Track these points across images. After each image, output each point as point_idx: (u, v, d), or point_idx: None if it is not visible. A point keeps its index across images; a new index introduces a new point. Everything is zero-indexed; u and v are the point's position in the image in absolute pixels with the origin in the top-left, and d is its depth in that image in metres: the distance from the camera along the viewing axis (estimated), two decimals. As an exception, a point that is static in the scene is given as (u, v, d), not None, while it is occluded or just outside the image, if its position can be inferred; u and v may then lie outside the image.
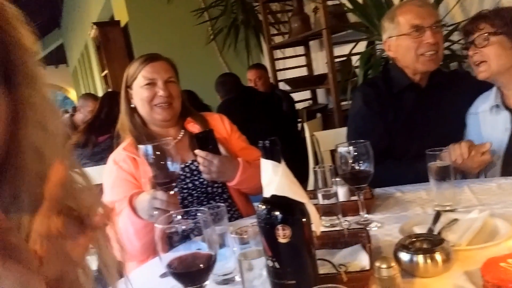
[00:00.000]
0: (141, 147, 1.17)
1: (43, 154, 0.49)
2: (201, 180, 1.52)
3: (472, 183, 1.36)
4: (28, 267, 0.40)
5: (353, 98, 1.81)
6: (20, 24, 0.50)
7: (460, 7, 2.56)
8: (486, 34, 1.44)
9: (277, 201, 0.77)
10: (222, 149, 1.53)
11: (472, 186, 1.33)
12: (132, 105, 1.56)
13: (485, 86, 1.57)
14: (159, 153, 1.15)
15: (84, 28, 8.23)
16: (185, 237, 0.78)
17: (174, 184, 1.18)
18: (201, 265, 0.75)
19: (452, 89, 1.65)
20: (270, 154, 0.79)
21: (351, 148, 1.16)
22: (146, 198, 1.20)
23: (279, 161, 0.78)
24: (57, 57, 14.70)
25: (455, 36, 2.48)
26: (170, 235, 0.77)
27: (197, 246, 0.78)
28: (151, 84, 1.51)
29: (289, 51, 4.38)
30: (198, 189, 1.53)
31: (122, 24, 5.78)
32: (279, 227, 0.75)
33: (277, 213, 0.76)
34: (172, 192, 1.16)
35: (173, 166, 1.16)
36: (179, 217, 0.84)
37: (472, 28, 1.49)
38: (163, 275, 1.04)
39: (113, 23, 5.97)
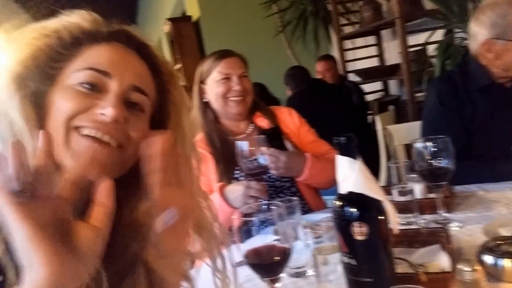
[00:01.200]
0: (238, 143, 1.34)
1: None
2: (269, 174, 1.54)
3: None
4: None
5: (428, 93, 1.72)
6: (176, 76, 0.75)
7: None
8: None
9: (353, 198, 0.77)
10: (289, 145, 1.55)
11: None
12: (205, 100, 1.61)
13: None
14: (252, 147, 1.32)
15: (158, 24, 8.59)
16: (260, 229, 0.81)
17: (264, 176, 1.37)
18: (277, 258, 0.77)
19: None
20: (345, 151, 0.78)
21: (429, 143, 1.12)
22: (240, 188, 1.34)
23: (355, 158, 0.77)
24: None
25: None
26: (247, 226, 0.80)
27: (271, 239, 0.80)
28: (226, 79, 1.56)
29: (359, 41, 4.26)
30: (267, 183, 1.55)
31: (194, 19, 5.96)
32: (355, 224, 0.75)
33: (353, 210, 0.76)
34: (262, 183, 1.34)
35: (264, 159, 1.33)
36: (266, 207, 0.87)
37: None
38: (238, 264, 1.08)
39: (185, 18, 6.17)
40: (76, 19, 0.68)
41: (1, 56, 0.64)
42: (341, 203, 0.78)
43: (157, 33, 9.55)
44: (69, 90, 0.63)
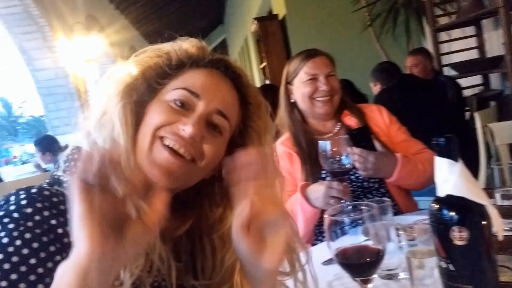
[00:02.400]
0: (321, 142, 1.30)
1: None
2: (357, 175, 1.51)
3: None
4: None
5: None
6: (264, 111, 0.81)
7: None
8: None
9: (453, 201, 0.73)
10: (378, 145, 1.51)
11: None
12: (292, 100, 1.62)
13: None
14: (335, 148, 1.28)
15: (245, 23, 8.81)
16: (351, 228, 0.80)
17: (346, 176, 1.33)
18: (369, 259, 0.76)
19: None
20: (445, 152, 0.75)
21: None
22: (322, 188, 1.32)
23: (455, 160, 0.74)
24: (221, 51, 16.03)
25: None
26: (338, 225, 0.80)
27: (363, 239, 0.80)
28: (313, 79, 1.55)
29: (456, 33, 3.98)
30: (354, 184, 1.53)
31: (280, 17, 6.02)
32: (455, 228, 0.71)
33: (452, 213, 0.73)
34: (345, 184, 1.30)
35: (347, 160, 1.28)
36: (349, 208, 0.87)
37: None
38: (327, 262, 1.09)
39: (272, 17, 6.25)
40: (187, 45, 0.77)
41: (117, 68, 0.74)
42: (439, 206, 0.75)
43: (244, 32, 9.82)
44: (163, 104, 0.72)
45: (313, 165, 1.49)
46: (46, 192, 0.65)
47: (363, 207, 0.81)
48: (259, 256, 0.61)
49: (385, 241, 0.79)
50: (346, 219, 0.79)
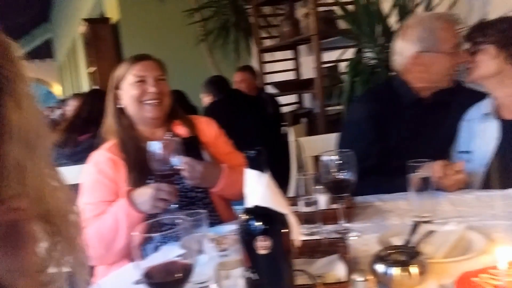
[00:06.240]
0: (151, 143, 1.30)
1: (24, 168, 0.57)
2: (182, 184, 1.52)
3: (452, 194, 1.38)
4: None
5: (354, 108, 1.79)
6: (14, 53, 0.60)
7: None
8: (477, 43, 1.49)
9: (259, 212, 0.78)
10: (206, 155, 1.55)
11: (451, 198, 1.35)
12: (120, 106, 1.56)
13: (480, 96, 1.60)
14: (165, 149, 1.29)
15: (74, 23, 8.15)
16: (163, 244, 0.78)
17: (178, 186, 1.35)
18: (179, 275, 0.75)
19: (453, 104, 1.65)
20: (255, 164, 0.79)
21: (334, 157, 1.17)
22: (149, 191, 1.31)
23: (263, 171, 0.79)
24: (45, 51, 14.54)
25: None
26: (147, 242, 0.77)
27: (175, 253, 0.78)
28: (141, 81, 1.52)
29: (278, 55, 4.40)
30: (179, 194, 1.52)
31: (113, 21, 5.74)
32: (260, 238, 0.75)
33: (258, 224, 0.77)
34: (173, 186, 1.32)
35: (176, 161, 1.30)
36: (160, 222, 0.84)
37: (467, 36, 1.55)
38: (137, 282, 1.04)
39: (104, 20, 5.93)
40: None
41: None
42: (247, 217, 0.79)
43: (72, 33, 9.05)
44: None
45: (140, 173, 1.45)
46: None
47: (178, 221, 0.79)
48: None
49: (195, 255, 0.79)
50: (157, 235, 0.76)
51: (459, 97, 1.67)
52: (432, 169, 1.34)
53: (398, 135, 1.61)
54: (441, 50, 1.57)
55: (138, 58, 1.56)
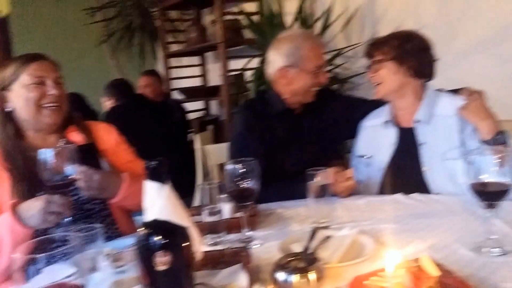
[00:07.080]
0: (42, 151, 1.19)
1: None
2: (78, 195, 1.41)
3: (346, 200, 1.46)
4: None
5: (235, 120, 1.85)
6: None
7: (343, 34, 2.79)
8: (378, 61, 1.60)
9: (158, 226, 0.74)
10: (105, 164, 1.46)
11: (346, 203, 1.43)
12: (7, 110, 1.41)
13: (354, 103, 1.77)
14: (58, 156, 1.20)
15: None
16: (52, 263, 0.71)
17: (69, 189, 1.24)
18: (67, 297, 0.69)
19: (324, 111, 1.78)
20: (155, 175, 0.75)
21: (238, 165, 1.18)
22: (38, 204, 1.19)
23: (164, 183, 0.75)
24: None
25: (338, 60, 2.70)
26: (31, 263, 0.70)
27: (65, 273, 0.72)
28: (40, 83, 1.40)
29: (185, 60, 4.35)
30: (74, 206, 1.41)
31: (1, 15, 5.20)
32: (159, 253, 0.72)
33: (157, 238, 0.73)
34: (66, 197, 1.22)
35: (70, 171, 1.21)
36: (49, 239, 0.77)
37: (368, 54, 1.65)
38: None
39: (-11, 12, 5.34)
40: None
41: None
42: (145, 232, 0.75)
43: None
44: None
45: (29, 185, 1.33)
46: None
47: (68, 237, 0.73)
48: None
49: (88, 274, 0.73)
50: (42, 256, 0.69)
51: (332, 104, 1.80)
52: (326, 176, 1.42)
53: (273, 143, 1.70)
54: (304, 68, 1.68)
55: (34, 57, 1.43)
